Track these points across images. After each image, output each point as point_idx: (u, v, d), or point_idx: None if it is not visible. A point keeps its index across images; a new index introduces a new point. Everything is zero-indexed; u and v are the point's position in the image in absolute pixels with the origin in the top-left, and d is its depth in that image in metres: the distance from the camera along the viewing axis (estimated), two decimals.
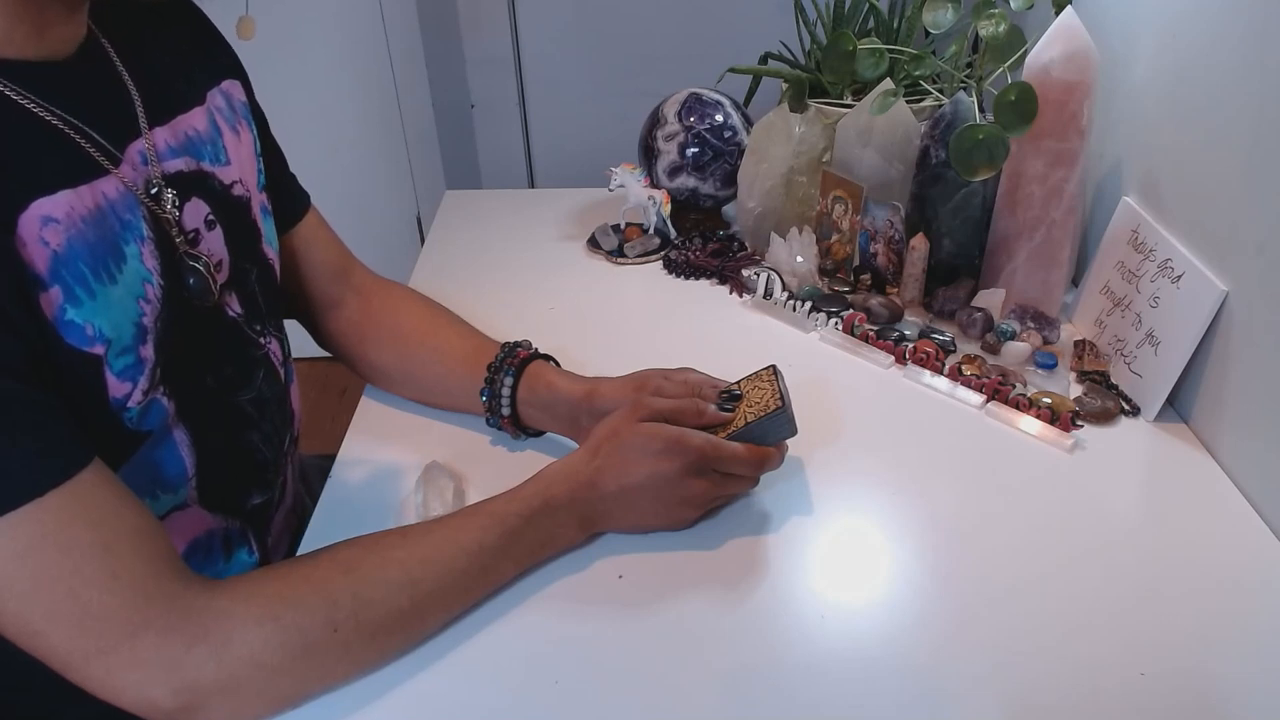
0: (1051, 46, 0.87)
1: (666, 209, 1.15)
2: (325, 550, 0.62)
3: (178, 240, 0.63)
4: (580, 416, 0.76)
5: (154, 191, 0.61)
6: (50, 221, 0.53)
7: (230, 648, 0.53)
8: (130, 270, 0.58)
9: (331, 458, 0.82)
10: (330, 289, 0.86)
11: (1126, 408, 0.86)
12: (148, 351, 0.59)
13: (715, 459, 0.69)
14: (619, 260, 1.14)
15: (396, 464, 0.80)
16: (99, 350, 0.55)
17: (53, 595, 0.50)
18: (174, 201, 0.62)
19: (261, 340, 0.72)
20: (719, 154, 1.14)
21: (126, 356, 0.57)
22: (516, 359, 0.80)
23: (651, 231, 1.15)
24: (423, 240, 1.24)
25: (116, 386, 0.57)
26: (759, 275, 1.04)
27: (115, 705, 0.52)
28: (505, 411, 0.79)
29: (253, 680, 0.54)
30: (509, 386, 0.79)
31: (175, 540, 0.66)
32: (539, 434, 0.82)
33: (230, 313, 0.69)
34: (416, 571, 0.61)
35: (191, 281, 0.63)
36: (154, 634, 0.52)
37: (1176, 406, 0.86)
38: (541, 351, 0.83)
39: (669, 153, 1.15)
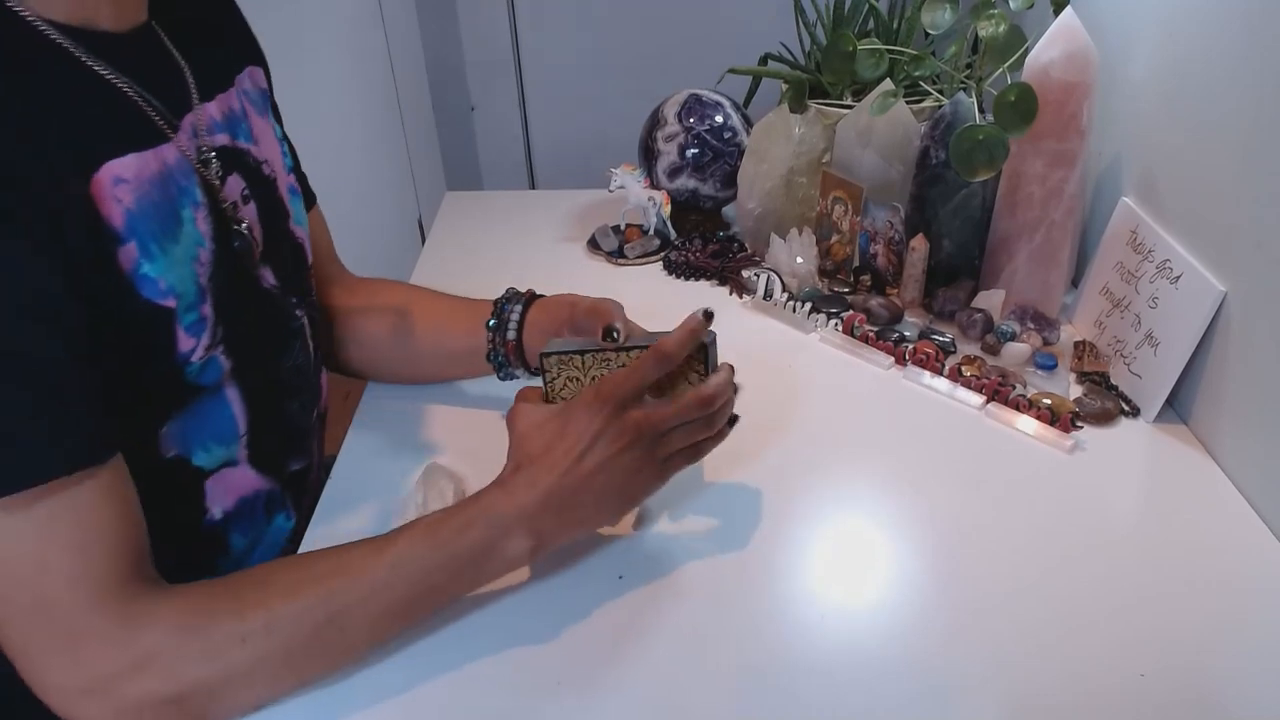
0: (1051, 47, 0.87)
1: (666, 210, 1.15)
2: (253, 567, 0.60)
3: (225, 206, 0.65)
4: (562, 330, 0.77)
5: (206, 160, 0.64)
6: (121, 181, 0.56)
7: (146, 654, 0.53)
8: (186, 234, 0.61)
9: (332, 458, 0.82)
10: (319, 285, 0.86)
11: (1126, 408, 0.86)
12: (208, 310, 0.62)
13: (655, 424, 0.61)
14: (619, 261, 1.14)
15: (396, 464, 0.80)
16: (171, 304, 0.59)
17: (16, 586, 0.51)
18: (219, 172, 0.65)
19: (297, 313, 0.75)
20: (719, 155, 1.14)
21: (192, 313, 0.61)
22: (524, 295, 0.82)
23: (651, 233, 1.16)
24: (424, 242, 1.24)
25: (185, 340, 0.60)
26: (759, 276, 1.04)
27: (50, 709, 0.53)
28: (511, 335, 0.80)
29: (165, 688, 0.53)
30: (518, 313, 0.80)
31: (225, 498, 0.68)
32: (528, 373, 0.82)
33: (266, 283, 0.71)
34: (333, 584, 0.57)
35: (237, 244, 0.66)
36: (94, 643, 0.52)
37: (1176, 407, 0.86)
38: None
39: (669, 153, 1.15)
